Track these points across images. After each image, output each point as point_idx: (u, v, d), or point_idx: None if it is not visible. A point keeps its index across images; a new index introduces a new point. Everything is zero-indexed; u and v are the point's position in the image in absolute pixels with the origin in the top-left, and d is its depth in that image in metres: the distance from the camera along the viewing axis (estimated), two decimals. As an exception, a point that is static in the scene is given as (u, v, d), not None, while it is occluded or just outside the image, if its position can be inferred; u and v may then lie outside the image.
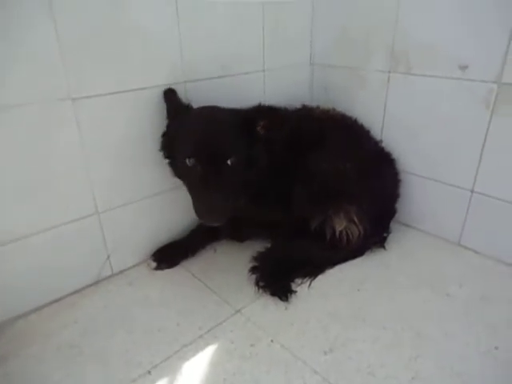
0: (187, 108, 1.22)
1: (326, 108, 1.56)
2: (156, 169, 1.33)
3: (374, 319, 1.13)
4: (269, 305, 1.19)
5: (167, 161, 1.25)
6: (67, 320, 1.15)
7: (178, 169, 1.23)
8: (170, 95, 1.24)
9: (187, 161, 1.12)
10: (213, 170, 1.11)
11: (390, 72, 1.46)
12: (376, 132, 1.57)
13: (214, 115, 1.19)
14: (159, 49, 1.22)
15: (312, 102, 1.64)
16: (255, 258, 1.33)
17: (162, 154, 1.25)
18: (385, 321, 1.12)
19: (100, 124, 1.16)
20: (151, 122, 1.26)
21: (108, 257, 1.31)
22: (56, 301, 1.22)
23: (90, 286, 1.29)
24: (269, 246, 1.39)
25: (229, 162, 1.12)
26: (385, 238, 1.46)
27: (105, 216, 1.26)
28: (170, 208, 1.43)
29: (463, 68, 1.25)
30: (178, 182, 1.37)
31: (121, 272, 1.36)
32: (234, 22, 1.39)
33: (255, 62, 1.52)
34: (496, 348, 1.02)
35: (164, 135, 1.24)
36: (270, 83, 1.58)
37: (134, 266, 1.39)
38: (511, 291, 1.23)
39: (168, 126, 1.24)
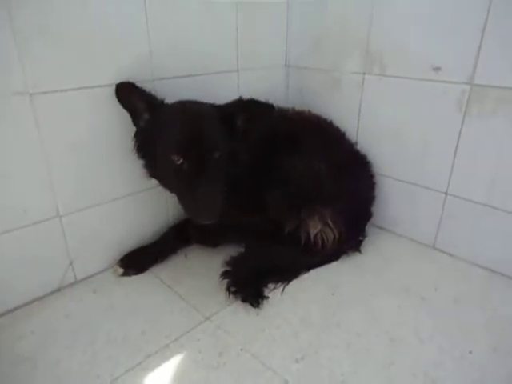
0: (163, 103, 1.15)
1: (301, 110, 1.54)
2: (124, 169, 1.27)
3: (348, 325, 1.10)
4: (240, 311, 1.14)
5: (142, 162, 1.19)
6: (23, 331, 1.07)
7: (158, 168, 1.17)
8: (132, 91, 1.12)
9: (174, 158, 1.06)
10: (201, 165, 1.06)
11: (364, 74, 1.45)
12: (351, 134, 1.55)
13: (194, 109, 1.15)
14: (126, 44, 1.17)
15: (287, 105, 1.61)
16: (227, 263, 1.27)
17: (135, 154, 1.18)
18: (358, 326, 1.09)
19: (61, 121, 1.10)
20: (118, 120, 1.20)
21: (71, 263, 1.24)
22: (13, 310, 1.14)
23: (51, 293, 1.21)
24: (242, 250, 1.35)
25: (215, 156, 1.09)
26: (360, 242, 1.44)
27: (67, 219, 1.19)
28: (139, 211, 1.37)
29: (436, 69, 1.25)
30: (147, 183, 1.33)
31: (85, 279, 1.29)
32: (207, 20, 1.36)
33: (229, 62, 1.49)
34: (470, 352, 1.00)
35: (137, 134, 1.17)
36: (244, 84, 1.55)
37: (99, 272, 1.32)
38: (485, 294, 1.22)
39: (141, 124, 1.16)
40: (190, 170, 1.06)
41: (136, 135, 1.17)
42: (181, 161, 1.07)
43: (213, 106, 1.17)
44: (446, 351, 1.01)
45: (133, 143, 1.17)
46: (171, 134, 1.10)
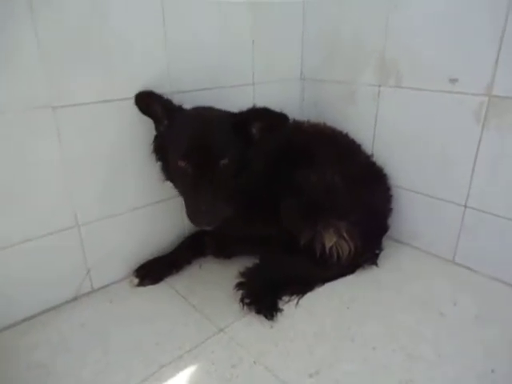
0: (180, 109, 1.18)
1: (316, 122, 1.54)
2: (142, 181, 1.30)
3: (364, 339, 1.07)
4: (254, 323, 1.13)
5: (159, 164, 1.23)
6: (39, 339, 1.08)
7: (170, 171, 1.19)
8: (150, 98, 1.15)
9: (179, 162, 1.09)
10: (204, 171, 1.08)
11: (380, 86, 1.45)
12: (367, 147, 1.54)
13: (206, 115, 1.17)
14: (144, 57, 1.20)
15: (302, 117, 1.61)
16: (242, 274, 1.27)
17: (153, 157, 1.22)
18: (375, 341, 1.06)
19: (82, 134, 1.14)
20: (137, 132, 1.24)
21: (88, 272, 1.26)
22: (30, 318, 1.16)
23: (68, 302, 1.23)
24: (257, 262, 1.34)
25: (221, 163, 1.09)
26: (377, 255, 1.41)
27: (85, 229, 1.21)
28: (156, 222, 1.39)
29: (453, 81, 1.24)
30: (164, 194, 1.36)
31: (101, 288, 1.30)
32: (224, 33, 1.39)
33: (244, 75, 1.51)
34: (493, 371, 0.96)
35: (156, 138, 1.20)
36: (260, 97, 1.56)
37: (115, 282, 1.33)
38: (508, 310, 1.18)
39: (161, 129, 1.19)
40: (194, 174, 1.08)
41: (155, 139, 1.20)
42: (186, 165, 1.08)
43: (227, 113, 1.19)
44: (466, 369, 0.97)
45: (152, 146, 1.20)
46: (180, 138, 1.12)
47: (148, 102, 1.15)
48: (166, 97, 1.17)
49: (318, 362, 1.00)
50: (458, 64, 1.22)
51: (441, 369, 0.98)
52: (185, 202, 1.14)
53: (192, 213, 1.09)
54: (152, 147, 1.20)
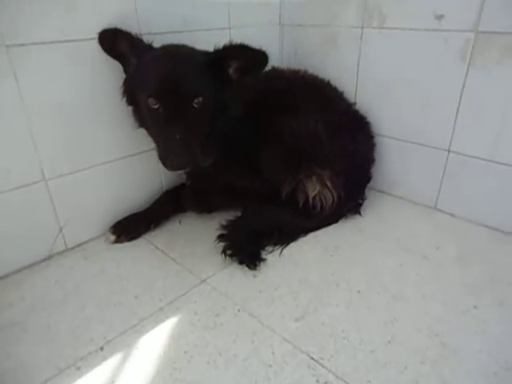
0: (150, 47, 1.09)
1: (297, 69, 1.46)
2: (114, 131, 1.22)
3: (348, 284, 1.06)
4: (236, 274, 1.11)
5: (131, 108, 1.15)
6: (13, 298, 1.03)
7: (142, 115, 1.12)
8: (117, 36, 1.06)
9: (149, 101, 1.01)
10: (176, 110, 1.01)
11: (363, 27, 1.38)
12: (350, 95, 1.49)
13: (179, 53, 1.09)
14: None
15: (282, 65, 1.54)
16: (223, 226, 1.23)
17: (124, 100, 1.14)
18: (359, 285, 1.06)
19: (44, 77, 1.04)
20: (106, 77, 1.14)
21: (60, 229, 1.19)
22: (2, 277, 1.10)
23: (42, 261, 1.17)
24: (238, 214, 1.30)
25: (194, 102, 1.02)
26: (360, 205, 1.39)
27: (54, 183, 1.13)
28: (131, 176, 1.32)
29: (439, 18, 1.18)
30: (140, 147, 1.29)
31: (76, 246, 1.24)
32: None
33: (220, 18, 1.41)
34: (475, 307, 0.97)
35: (126, 81, 1.12)
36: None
37: (90, 239, 1.27)
38: (490, 252, 1.19)
39: (130, 70, 1.10)
40: (165, 114, 1.02)
41: (124, 81, 1.12)
42: (157, 105, 1.01)
43: (201, 52, 1.11)
44: (450, 307, 0.98)
45: (121, 90, 1.12)
46: (150, 76, 1.04)
47: (114, 40, 1.06)
48: (134, 34, 1.08)
49: (303, 307, 0.98)
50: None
51: (425, 308, 0.98)
52: (157, 145, 1.08)
53: (164, 154, 1.03)
54: (122, 90, 1.12)
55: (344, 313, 0.96)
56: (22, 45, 0.97)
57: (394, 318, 0.95)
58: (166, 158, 1.02)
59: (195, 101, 1.02)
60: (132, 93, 1.10)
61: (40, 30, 1.00)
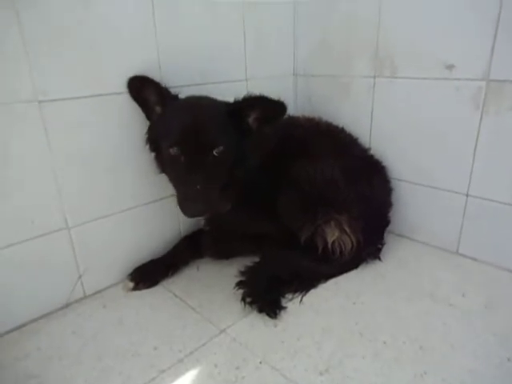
0: (176, 97, 1.15)
1: (312, 117, 1.51)
2: (135, 180, 1.25)
3: (373, 334, 1.02)
4: (257, 323, 1.08)
5: (153, 155, 1.18)
6: (29, 348, 1.02)
7: (163, 162, 1.15)
8: (145, 83, 1.13)
9: (170, 150, 1.05)
10: (196, 159, 1.04)
11: (375, 77, 1.43)
12: (364, 140, 1.52)
13: (201, 103, 1.14)
14: (135, 51, 1.16)
15: (296, 113, 1.59)
16: (242, 273, 1.22)
17: (147, 148, 1.17)
18: (384, 335, 1.02)
19: (71, 129, 1.08)
20: (129, 128, 1.19)
21: (80, 277, 1.19)
22: (19, 327, 1.09)
23: (59, 309, 1.16)
24: (257, 261, 1.29)
25: (214, 151, 1.05)
26: (379, 249, 1.37)
27: (76, 231, 1.15)
28: (150, 223, 1.33)
29: (450, 67, 1.22)
30: (159, 194, 1.32)
31: (94, 293, 1.24)
32: (214, 26, 1.36)
33: (237, 71, 1.48)
34: (509, 360, 0.92)
35: (150, 128, 1.16)
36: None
37: (109, 286, 1.27)
38: (517, 298, 1.14)
39: (154, 118, 1.16)
40: (186, 162, 1.05)
41: (148, 129, 1.16)
42: (177, 153, 1.05)
43: (222, 102, 1.15)
44: (481, 359, 0.93)
45: (145, 137, 1.16)
46: (172, 124, 1.08)
47: (141, 87, 1.12)
48: (162, 84, 1.14)
49: (327, 359, 0.95)
50: (454, 50, 1.21)
51: (455, 360, 0.93)
52: (176, 191, 1.10)
53: (182, 200, 1.04)
54: (145, 137, 1.16)
55: (370, 365, 0.92)
56: (53, 100, 1.03)
57: (424, 370, 0.90)
58: (185, 204, 1.03)
59: (216, 150, 1.05)
60: (155, 140, 1.14)
61: (69, 86, 1.05)
